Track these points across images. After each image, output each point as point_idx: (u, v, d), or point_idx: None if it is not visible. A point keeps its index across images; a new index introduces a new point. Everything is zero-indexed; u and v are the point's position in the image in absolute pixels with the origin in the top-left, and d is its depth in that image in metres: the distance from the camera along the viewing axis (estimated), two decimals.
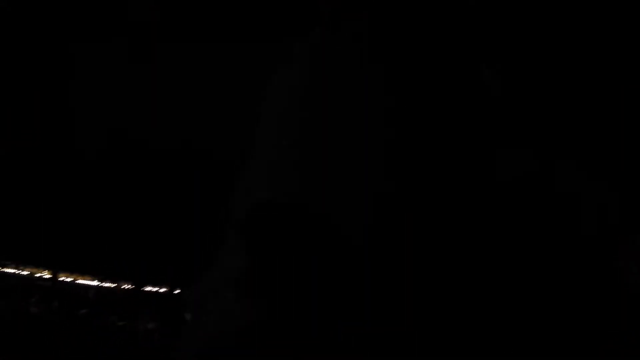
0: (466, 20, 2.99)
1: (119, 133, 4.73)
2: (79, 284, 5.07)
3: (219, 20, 5.03)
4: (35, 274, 5.18)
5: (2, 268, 5.10)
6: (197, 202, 4.82)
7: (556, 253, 2.62)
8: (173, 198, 4.85)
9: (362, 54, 2.91)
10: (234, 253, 2.89)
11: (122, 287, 5.00)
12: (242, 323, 2.67)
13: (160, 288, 4.95)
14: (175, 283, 4.95)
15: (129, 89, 5.12)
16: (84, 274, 5.09)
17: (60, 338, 4.71)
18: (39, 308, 4.94)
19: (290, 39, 4.28)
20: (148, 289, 4.94)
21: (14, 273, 5.10)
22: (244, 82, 4.73)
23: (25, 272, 5.13)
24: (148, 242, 4.83)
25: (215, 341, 2.75)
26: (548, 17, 2.91)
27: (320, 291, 2.60)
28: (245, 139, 3.23)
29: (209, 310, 2.87)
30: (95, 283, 5.04)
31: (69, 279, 5.09)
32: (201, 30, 4.97)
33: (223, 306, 2.80)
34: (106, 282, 5.00)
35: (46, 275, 5.18)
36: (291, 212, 2.69)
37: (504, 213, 2.66)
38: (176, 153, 4.87)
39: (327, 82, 2.99)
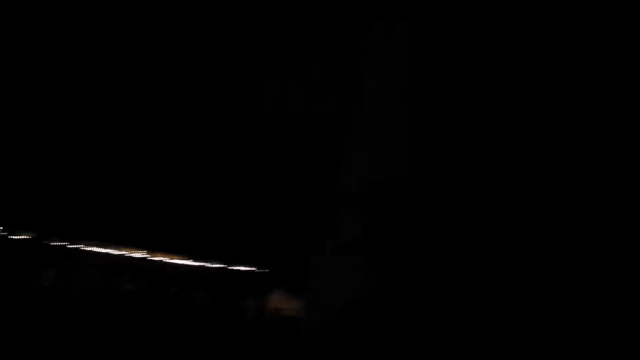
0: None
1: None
2: (169, 262, 5.38)
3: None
4: (128, 253, 5.48)
5: (98, 249, 5.41)
6: (283, 184, 5.10)
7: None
8: (260, 181, 5.16)
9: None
10: (351, 224, 2.95)
11: (210, 265, 5.32)
12: (362, 291, 2.70)
13: (247, 267, 5.28)
14: (261, 263, 5.25)
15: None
16: (174, 253, 5.39)
17: (153, 314, 4.99)
18: (132, 285, 5.23)
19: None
20: (236, 268, 5.27)
21: (110, 253, 5.41)
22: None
23: (120, 252, 5.44)
24: (235, 222, 5.13)
25: (337, 309, 2.76)
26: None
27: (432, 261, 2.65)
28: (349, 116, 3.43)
29: (330, 279, 2.94)
30: (184, 262, 5.35)
31: (159, 258, 5.40)
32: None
33: (343, 275, 2.86)
34: (195, 261, 5.31)
35: (138, 254, 5.48)
36: (402, 188, 2.76)
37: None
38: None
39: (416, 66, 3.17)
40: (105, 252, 5.12)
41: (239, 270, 5.10)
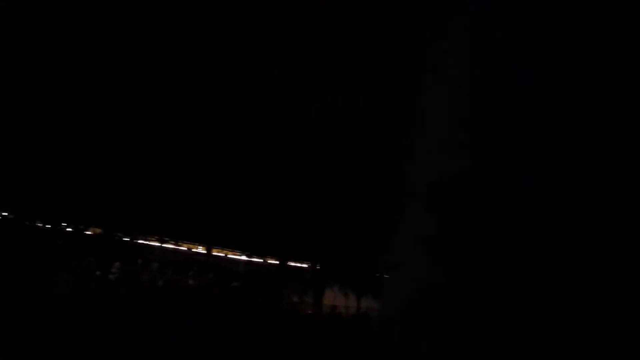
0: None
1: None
2: (230, 258, 5.68)
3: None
4: (192, 249, 5.75)
5: (163, 244, 5.66)
6: (337, 189, 5.43)
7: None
8: (313, 180, 5.49)
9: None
10: (422, 220, 2.86)
11: (268, 261, 5.65)
12: (436, 282, 2.59)
13: (302, 263, 5.63)
14: (315, 260, 5.62)
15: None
16: (234, 249, 5.69)
17: (216, 307, 5.26)
18: (196, 280, 5.49)
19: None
20: (291, 264, 5.61)
21: (173, 249, 5.67)
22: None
23: (183, 248, 5.70)
24: (291, 222, 5.47)
25: (412, 298, 2.62)
26: None
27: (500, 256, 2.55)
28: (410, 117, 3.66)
29: (404, 270, 2.89)
30: (244, 258, 5.65)
31: (221, 254, 5.69)
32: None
33: (417, 266, 2.79)
34: (254, 257, 5.63)
35: (199, 249, 5.75)
36: (468, 185, 2.72)
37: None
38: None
39: (486, 60, 3.39)
40: (169, 248, 5.39)
41: (295, 266, 5.43)
